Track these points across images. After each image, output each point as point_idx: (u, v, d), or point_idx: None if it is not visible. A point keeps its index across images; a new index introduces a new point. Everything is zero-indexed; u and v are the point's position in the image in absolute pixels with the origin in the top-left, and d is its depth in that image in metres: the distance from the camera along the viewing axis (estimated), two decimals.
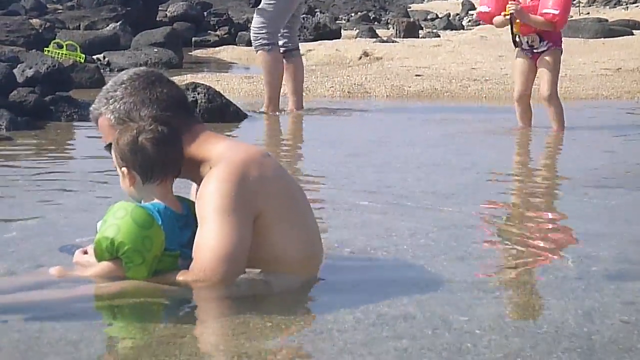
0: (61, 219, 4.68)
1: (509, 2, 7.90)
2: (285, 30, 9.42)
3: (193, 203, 3.42)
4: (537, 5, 7.87)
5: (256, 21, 9.30)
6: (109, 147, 3.48)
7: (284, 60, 9.42)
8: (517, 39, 8.07)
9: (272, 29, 9.25)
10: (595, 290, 3.49)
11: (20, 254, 3.93)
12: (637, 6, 31.82)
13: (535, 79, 8.18)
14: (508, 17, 7.94)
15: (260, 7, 9.22)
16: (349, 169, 6.32)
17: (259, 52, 9.36)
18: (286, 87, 9.51)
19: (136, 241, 3.21)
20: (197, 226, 3.31)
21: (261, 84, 11.66)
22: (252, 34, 9.45)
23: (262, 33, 9.24)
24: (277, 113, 9.28)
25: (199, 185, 3.40)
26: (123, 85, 3.45)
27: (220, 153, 3.35)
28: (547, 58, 8.00)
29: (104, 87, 3.53)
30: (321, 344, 2.94)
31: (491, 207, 5.26)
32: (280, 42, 9.43)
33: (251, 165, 3.33)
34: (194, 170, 3.40)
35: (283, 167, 3.49)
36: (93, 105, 3.53)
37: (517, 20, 7.94)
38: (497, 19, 8.07)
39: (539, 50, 8.01)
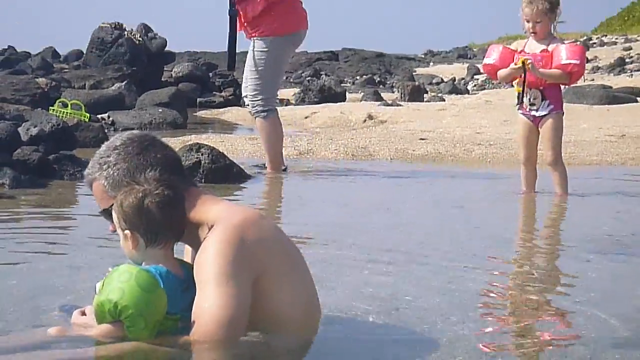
0: (61, 278, 4.67)
1: (521, 56, 7.94)
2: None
3: (191, 266, 3.42)
4: (547, 60, 7.90)
5: (251, 88, 9.33)
6: (103, 212, 3.49)
7: (258, 121, 9.46)
8: (520, 97, 8.09)
9: (268, 94, 9.30)
10: (602, 358, 3.48)
11: (19, 313, 3.92)
12: None
13: (539, 142, 8.20)
14: (519, 66, 7.92)
15: (252, 72, 9.25)
16: (352, 230, 6.32)
17: (256, 118, 9.38)
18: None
19: (140, 305, 3.20)
20: (196, 289, 3.31)
21: None
22: (249, 100, 9.45)
23: (258, 100, 9.28)
24: (283, 167, 9.30)
25: (194, 248, 3.41)
26: (116, 151, 3.47)
27: (217, 216, 3.36)
28: (549, 123, 8.02)
29: (98, 152, 3.54)
30: None
31: (495, 272, 5.25)
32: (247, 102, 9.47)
33: (248, 227, 3.33)
34: (191, 234, 3.41)
35: (280, 228, 3.50)
36: (87, 170, 3.55)
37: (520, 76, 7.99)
38: (502, 71, 8.09)
39: (540, 114, 8.03)
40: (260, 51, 9.25)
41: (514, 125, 10.82)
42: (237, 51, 9.66)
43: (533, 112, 8.06)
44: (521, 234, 6.74)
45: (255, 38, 9.28)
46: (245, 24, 9.30)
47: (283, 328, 3.40)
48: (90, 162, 3.56)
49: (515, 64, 7.95)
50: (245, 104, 9.66)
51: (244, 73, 9.56)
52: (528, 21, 7.98)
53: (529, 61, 7.88)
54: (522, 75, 7.96)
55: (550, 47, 7.96)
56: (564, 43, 8.23)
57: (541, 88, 8.00)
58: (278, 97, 9.66)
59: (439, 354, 3.47)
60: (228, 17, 9.38)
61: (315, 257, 5.07)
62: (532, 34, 8.02)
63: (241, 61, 10.30)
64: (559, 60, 7.89)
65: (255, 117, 9.41)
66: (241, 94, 22.00)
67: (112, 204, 3.44)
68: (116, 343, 3.26)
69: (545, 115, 8.04)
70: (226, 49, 9.69)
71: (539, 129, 8.08)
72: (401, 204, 7.78)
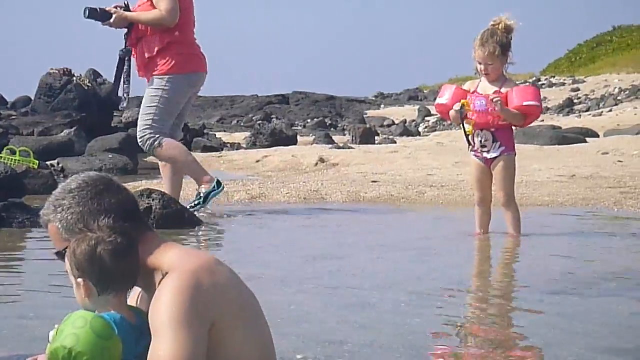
0: (11, 327, 4.62)
1: (468, 98, 8.04)
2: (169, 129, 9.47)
3: (144, 312, 3.40)
4: (500, 97, 7.98)
5: (141, 124, 9.33)
6: (59, 254, 3.47)
7: (160, 163, 9.52)
8: (470, 139, 8.16)
9: (157, 128, 9.28)
10: None
11: None
12: (590, 114, 32.46)
13: (492, 184, 8.27)
14: (457, 108, 8.00)
15: (145, 108, 9.29)
16: (305, 272, 6.33)
17: (155, 150, 9.33)
18: (164, 185, 9.56)
19: (95, 352, 3.17)
20: (150, 337, 3.29)
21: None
22: (139, 140, 9.42)
23: (147, 134, 9.27)
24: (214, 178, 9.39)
25: (149, 293, 3.39)
26: (71, 194, 3.45)
27: (172, 262, 3.33)
28: (501, 165, 8.09)
29: (54, 193, 3.51)
30: None
31: (449, 314, 5.27)
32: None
33: (203, 274, 3.31)
34: (146, 279, 3.39)
35: (235, 273, 3.49)
36: (42, 211, 3.52)
37: (470, 117, 8.06)
38: (452, 112, 8.16)
39: (491, 156, 8.11)
40: (156, 88, 9.28)
41: (466, 166, 10.93)
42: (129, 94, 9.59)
43: (484, 154, 8.13)
44: (475, 276, 6.78)
45: (153, 77, 9.31)
46: (142, 65, 9.32)
47: None
48: (46, 202, 3.54)
49: (457, 108, 8.01)
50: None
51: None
52: (480, 63, 8.07)
53: (466, 105, 7.98)
54: (461, 116, 8.04)
55: (503, 89, 8.06)
56: (516, 84, 8.36)
57: (492, 130, 8.07)
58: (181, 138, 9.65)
59: None
60: (117, 57, 9.39)
61: (270, 302, 5.07)
62: (485, 75, 8.11)
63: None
64: (519, 102, 7.97)
65: (152, 151, 9.36)
66: (192, 138, 22.01)
67: (65, 248, 3.42)
68: None
69: (496, 157, 8.11)
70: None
71: (492, 170, 8.15)
72: (354, 248, 7.79)
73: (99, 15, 9.26)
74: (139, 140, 9.41)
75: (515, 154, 8.19)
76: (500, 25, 8.04)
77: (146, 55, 9.28)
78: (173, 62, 9.27)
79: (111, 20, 9.22)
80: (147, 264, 3.38)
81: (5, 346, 4.12)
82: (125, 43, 9.33)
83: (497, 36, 8.00)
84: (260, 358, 3.45)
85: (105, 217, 3.36)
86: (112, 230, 3.33)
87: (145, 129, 9.29)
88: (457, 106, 8.02)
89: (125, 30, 9.34)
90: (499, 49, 7.99)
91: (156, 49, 9.24)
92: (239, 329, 3.35)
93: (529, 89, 8.29)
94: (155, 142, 9.27)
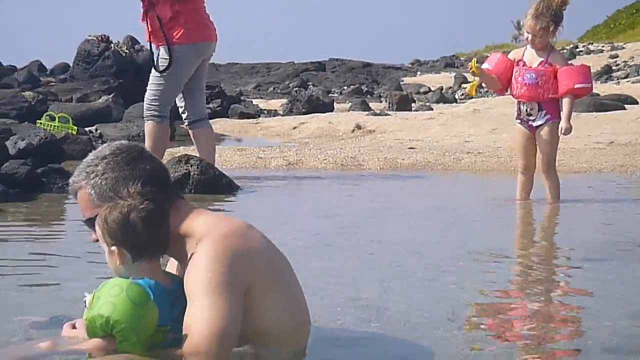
0: (50, 290, 4.64)
1: (515, 70, 8.06)
2: (185, 103, 9.47)
3: (178, 278, 3.40)
4: (549, 74, 7.93)
5: (148, 93, 9.34)
6: (88, 221, 3.47)
7: (191, 132, 9.49)
8: (518, 108, 8.14)
9: (164, 101, 9.28)
10: None
11: (9, 327, 3.90)
12: (629, 81, 32.10)
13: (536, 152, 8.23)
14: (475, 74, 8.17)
15: (154, 77, 9.26)
16: (342, 241, 6.31)
17: (146, 122, 9.34)
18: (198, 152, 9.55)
19: (132, 320, 3.18)
20: (186, 301, 3.29)
21: (254, 156, 11.72)
22: (145, 105, 9.44)
23: (153, 105, 9.27)
24: None
25: (181, 261, 3.39)
26: (105, 160, 3.45)
27: (205, 228, 3.34)
28: (545, 132, 8.05)
29: (85, 160, 3.51)
30: None
31: (488, 280, 5.24)
32: (185, 115, 9.52)
33: (237, 239, 3.31)
34: (178, 247, 3.39)
35: (267, 238, 3.48)
36: (72, 178, 3.51)
37: (475, 82, 8.26)
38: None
39: (537, 124, 8.06)
40: (164, 58, 9.24)
41: (502, 134, 10.85)
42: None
43: (530, 122, 8.09)
44: (514, 242, 6.73)
45: (161, 46, 9.27)
46: (152, 33, 9.28)
47: (273, 339, 3.37)
48: (76, 170, 3.53)
49: (471, 66, 8.11)
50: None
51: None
52: (529, 33, 7.99)
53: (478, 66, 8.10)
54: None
55: (550, 59, 7.98)
56: (562, 57, 8.27)
57: (539, 101, 8.03)
58: (201, 111, 9.60)
59: None
60: None
61: (305, 267, 5.06)
62: (531, 45, 8.04)
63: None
64: (570, 85, 7.93)
65: (147, 121, 9.36)
66: (229, 105, 22.02)
67: (97, 214, 3.42)
68: (108, 356, 3.23)
69: (542, 124, 8.06)
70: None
71: (535, 137, 8.10)
72: (392, 214, 7.76)
73: None
74: (146, 104, 9.41)
75: (559, 122, 8.11)
76: None
77: (157, 23, 9.23)
78: (181, 32, 9.21)
79: None
80: (179, 232, 3.38)
81: (45, 311, 4.14)
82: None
83: (553, 9, 7.89)
84: (295, 323, 3.46)
85: (137, 183, 3.36)
86: (144, 197, 3.32)
87: (154, 100, 9.28)
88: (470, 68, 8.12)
89: None
90: (552, 25, 7.90)
91: (168, 16, 9.20)
92: (273, 293, 3.36)
93: (580, 70, 8.11)
94: (157, 119, 9.28)
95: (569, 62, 8.57)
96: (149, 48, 9.50)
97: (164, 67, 9.20)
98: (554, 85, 7.97)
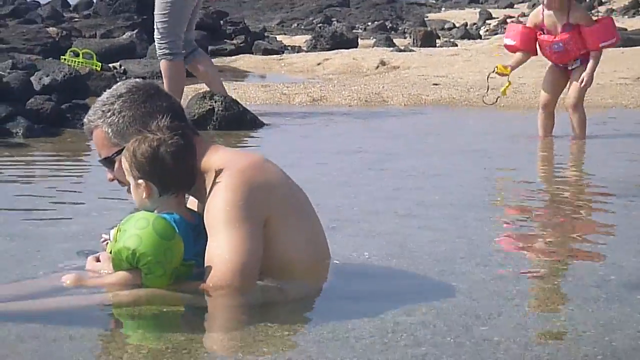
0: (75, 224, 4.67)
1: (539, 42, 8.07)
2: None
3: (200, 214, 3.40)
4: (575, 40, 7.88)
5: (156, 32, 9.23)
6: (105, 160, 3.47)
7: (185, 65, 9.42)
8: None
9: (173, 37, 9.16)
10: (617, 300, 3.46)
11: (37, 258, 3.93)
12: None
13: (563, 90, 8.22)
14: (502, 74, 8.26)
15: (159, 16, 9.16)
16: (366, 177, 6.31)
17: (161, 60, 9.25)
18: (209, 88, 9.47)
19: (158, 253, 3.18)
20: (207, 236, 3.30)
21: (278, 93, 11.70)
22: (156, 44, 9.35)
23: (164, 43, 9.15)
24: None
25: (200, 198, 3.40)
26: (122, 98, 3.43)
27: (223, 163, 3.34)
28: (581, 70, 8.04)
29: (100, 99, 3.50)
30: (340, 352, 2.91)
31: (512, 214, 5.23)
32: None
33: (255, 172, 3.32)
34: (197, 182, 3.39)
35: (285, 172, 3.48)
36: (88, 117, 3.50)
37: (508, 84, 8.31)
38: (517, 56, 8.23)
39: (572, 67, 8.05)
40: None
41: (527, 70, 10.75)
42: None
43: (566, 66, 8.10)
44: (538, 177, 6.70)
45: None
46: None
47: (293, 272, 3.39)
48: (91, 109, 3.52)
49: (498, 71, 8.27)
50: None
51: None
52: None
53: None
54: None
55: (572, 20, 7.89)
56: (585, 13, 8.17)
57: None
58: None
59: (451, 299, 3.46)
60: None
61: (328, 203, 5.06)
62: (547, 7, 7.95)
63: None
64: (595, 45, 7.95)
65: (161, 60, 9.27)
66: (252, 41, 21.94)
67: (114, 153, 3.42)
68: (133, 289, 3.25)
69: (577, 67, 8.06)
70: None
71: (570, 76, 8.09)
72: (417, 149, 7.74)
73: None
74: (157, 43, 9.31)
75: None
76: None
77: None
78: None
79: None
80: (197, 167, 3.38)
81: (70, 243, 4.17)
82: None
83: None
84: (314, 254, 3.48)
85: (164, 117, 3.35)
86: (172, 131, 3.32)
87: (163, 37, 9.16)
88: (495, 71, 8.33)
89: None
90: None
91: None
92: (292, 225, 3.37)
93: (604, 27, 8.01)
94: (170, 56, 9.16)
95: (590, 13, 8.54)
96: None
97: (165, 4, 9.08)
98: (582, 42, 7.94)
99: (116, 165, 3.44)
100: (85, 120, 3.53)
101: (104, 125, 3.44)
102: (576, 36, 7.91)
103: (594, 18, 8.30)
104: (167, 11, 9.12)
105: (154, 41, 9.51)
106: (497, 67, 8.31)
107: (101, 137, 3.46)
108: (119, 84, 3.56)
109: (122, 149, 3.38)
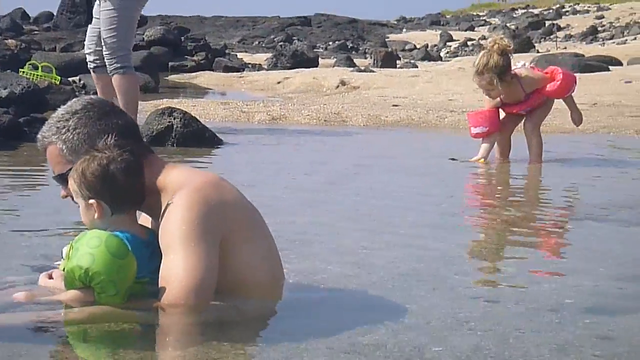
0: (28, 239, 4.62)
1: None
2: (98, 48, 9.31)
3: (154, 230, 3.38)
4: (536, 96, 7.99)
5: (107, 47, 9.15)
6: (58, 177, 3.44)
7: (94, 75, 9.43)
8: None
9: (124, 50, 9.17)
10: (570, 324, 3.48)
11: None
12: (614, 42, 32.10)
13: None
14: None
15: (106, 31, 9.10)
16: (327, 196, 6.30)
17: (113, 75, 9.18)
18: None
19: (111, 271, 3.16)
20: (162, 253, 3.28)
21: (238, 110, 11.68)
22: (106, 60, 9.25)
23: (116, 57, 9.12)
24: None
25: (153, 215, 3.38)
26: (77, 115, 3.42)
27: (178, 181, 3.33)
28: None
29: (54, 115, 3.47)
30: None
31: (471, 236, 5.25)
32: (91, 59, 9.38)
33: (211, 191, 3.31)
34: (150, 200, 3.37)
35: (240, 191, 3.47)
36: (42, 133, 3.47)
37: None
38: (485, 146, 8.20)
39: None
40: (112, 9, 9.09)
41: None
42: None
43: None
44: (496, 200, 6.73)
45: None
46: None
47: (248, 291, 3.37)
48: (45, 125, 3.49)
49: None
50: (88, 61, 9.45)
51: (87, 32, 9.40)
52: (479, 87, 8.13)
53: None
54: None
55: (527, 88, 8.04)
56: (534, 75, 8.19)
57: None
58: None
59: (406, 320, 3.45)
60: None
61: (288, 222, 5.05)
62: (492, 96, 8.06)
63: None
64: (561, 96, 8.27)
65: (113, 75, 9.19)
66: (213, 58, 21.88)
67: (68, 169, 3.39)
68: (85, 307, 3.22)
69: None
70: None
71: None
72: (374, 171, 7.75)
73: None
74: (106, 57, 9.22)
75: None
76: (494, 47, 7.91)
77: None
78: None
79: None
80: (152, 186, 3.37)
81: (23, 259, 4.12)
82: None
83: (493, 62, 7.86)
84: (270, 275, 3.47)
85: (111, 136, 3.34)
86: (121, 148, 3.30)
87: (115, 51, 9.11)
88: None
89: None
90: (496, 78, 7.88)
91: None
92: (247, 243, 3.37)
93: (561, 85, 8.09)
94: (122, 69, 9.13)
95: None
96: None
97: (112, 18, 9.06)
98: (544, 95, 8.11)
99: (69, 187, 3.42)
100: (39, 136, 3.50)
101: (59, 141, 3.41)
102: (538, 96, 8.08)
103: (539, 71, 8.30)
104: (114, 25, 9.07)
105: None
106: (480, 161, 8.19)
107: (55, 153, 3.43)
108: (73, 100, 3.53)
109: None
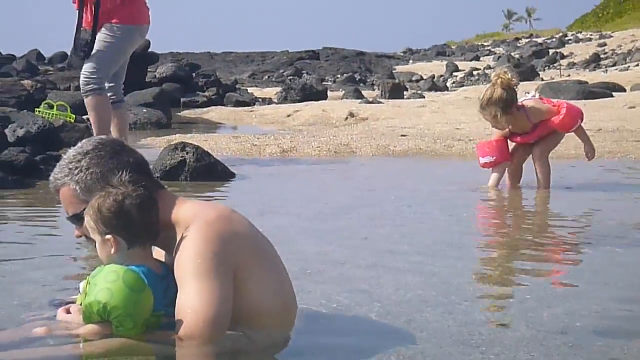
0: (47, 275, 4.63)
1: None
2: (111, 84, 9.38)
3: (167, 264, 3.39)
4: (543, 127, 8.00)
5: (87, 67, 9.21)
6: (73, 217, 3.45)
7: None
8: None
9: (103, 74, 9.21)
10: (581, 347, 3.46)
11: (6, 310, 3.88)
12: (616, 69, 32.11)
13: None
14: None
15: (96, 52, 9.16)
16: (335, 224, 6.30)
17: (89, 97, 9.20)
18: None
19: (129, 306, 3.17)
20: (176, 286, 3.28)
21: (249, 144, 11.70)
22: (82, 80, 9.31)
23: (93, 78, 9.16)
24: None
25: (167, 249, 3.39)
26: (88, 156, 3.43)
27: (191, 215, 3.34)
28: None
29: (66, 157, 3.49)
30: None
31: (479, 261, 5.24)
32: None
33: (223, 224, 3.32)
34: (165, 235, 3.38)
35: (251, 223, 3.48)
36: (54, 175, 3.48)
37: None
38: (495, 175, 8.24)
39: None
40: (112, 35, 9.18)
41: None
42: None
43: None
44: (503, 225, 6.73)
45: (106, 25, 9.18)
46: (103, 14, 9.17)
47: (261, 321, 3.37)
48: (57, 167, 3.50)
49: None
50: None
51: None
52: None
53: None
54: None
55: (534, 119, 8.05)
56: (535, 105, 8.19)
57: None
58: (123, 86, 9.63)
59: (418, 347, 3.45)
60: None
61: (299, 252, 5.05)
62: (500, 129, 8.10)
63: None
64: (567, 129, 8.25)
65: (87, 96, 9.22)
66: (224, 93, 21.93)
67: (82, 209, 3.40)
68: (105, 339, 3.23)
69: None
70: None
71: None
72: (383, 199, 7.75)
73: None
74: (81, 79, 9.30)
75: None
76: (498, 81, 7.94)
77: (109, 5, 9.17)
78: (131, 13, 9.21)
79: None
80: (165, 220, 3.38)
81: (42, 293, 4.13)
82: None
83: (497, 96, 7.89)
84: (282, 306, 3.47)
85: (124, 173, 3.35)
86: (135, 184, 3.32)
87: (95, 72, 9.18)
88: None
89: None
90: (499, 111, 7.89)
91: (118, 1, 9.17)
92: (260, 273, 3.37)
93: (566, 119, 8.12)
94: (98, 90, 9.17)
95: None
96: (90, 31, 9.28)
97: (105, 43, 9.13)
98: (551, 126, 8.11)
99: (84, 227, 3.43)
100: (51, 178, 3.51)
101: (72, 182, 3.42)
102: (545, 126, 8.08)
103: (547, 103, 8.31)
104: (104, 50, 9.12)
105: (126, 93, 9.46)
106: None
107: (69, 194, 3.44)
108: (84, 141, 3.54)
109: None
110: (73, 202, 3.44)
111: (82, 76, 9.31)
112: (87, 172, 3.41)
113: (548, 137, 8.21)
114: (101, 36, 9.19)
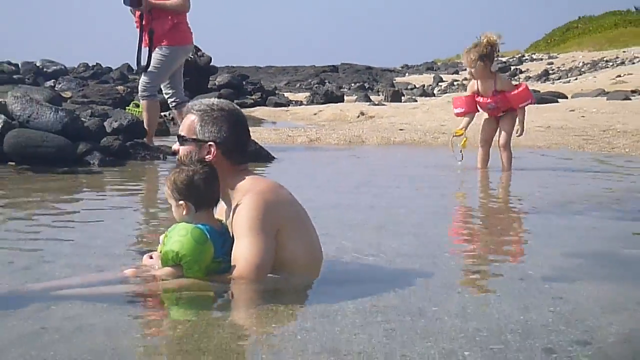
0: (136, 230, 4.65)
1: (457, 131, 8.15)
2: (172, 90, 9.35)
3: (226, 224, 3.40)
4: (502, 101, 7.90)
5: (144, 80, 9.21)
6: (180, 136, 3.42)
7: (176, 111, 9.40)
8: (462, 152, 8.26)
9: (155, 84, 9.25)
10: (534, 288, 3.46)
11: (101, 258, 3.91)
12: (561, 82, 31.85)
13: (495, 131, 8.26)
14: (459, 135, 8.17)
15: (152, 67, 9.13)
16: (349, 197, 6.29)
17: (144, 100, 9.26)
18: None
19: (194, 254, 3.20)
20: (232, 240, 3.29)
21: (285, 135, 11.69)
22: (140, 87, 9.31)
23: (148, 87, 9.21)
24: (151, 144, 9.09)
25: (229, 206, 3.38)
26: (222, 112, 3.41)
27: (248, 185, 3.34)
28: (506, 117, 8.09)
29: (207, 100, 3.45)
30: (329, 326, 2.90)
31: (458, 226, 5.22)
32: (171, 99, 9.38)
33: (270, 193, 3.32)
34: (229, 195, 3.39)
35: (292, 194, 3.47)
36: (192, 103, 3.47)
37: (465, 139, 8.19)
38: (465, 119, 8.18)
39: (501, 116, 8.12)
40: (163, 54, 9.14)
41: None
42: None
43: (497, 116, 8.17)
44: (479, 198, 6.70)
45: (160, 46, 9.13)
46: (157, 37, 9.10)
47: (296, 268, 3.37)
48: (199, 101, 3.46)
49: (455, 135, 8.25)
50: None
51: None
52: (467, 66, 8.00)
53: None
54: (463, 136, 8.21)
55: (498, 86, 7.90)
56: (507, 81, 8.13)
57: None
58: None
59: (416, 288, 3.45)
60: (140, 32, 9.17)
61: (323, 216, 5.05)
62: (475, 77, 7.98)
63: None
64: (517, 105, 7.95)
65: (143, 99, 9.28)
66: (266, 97, 21.84)
67: (190, 138, 3.38)
68: (176, 279, 3.25)
69: (504, 115, 8.15)
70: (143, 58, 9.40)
71: (499, 121, 8.13)
72: (385, 177, 7.73)
73: (135, 1, 9.05)
74: (140, 87, 9.31)
75: (516, 113, 8.12)
76: (485, 40, 7.84)
77: (160, 31, 9.11)
78: (177, 36, 9.16)
79: (142, 5, 9.05)
80: (233, 187, 3.38)
81: (132, 244, 4.15)
82: (141, 22, 9.14)
83: (481, 47, 7.79)
84: (312, 256, 3.48)
85: (198, 152, 3.35)
86: (202, 163, 3.33)
87: (147, 83, 9.20)
88: (453, 135, 8.30)
89: (138, 12, 9.12)
90: (477, 57, 7.78)
91: (168, 27, 9.13)
92: (297, 234, 3.37)
93: (521, 93, 7.96)
94: (153, 96, 9.23)
95: (514, 78, 8.56)
96: (147, 50, 9.21)
97: (160, 61, 9.11)
98: (508, 102, 7.97)
99: (181, 148, 3.41)
100: (189, 103, 3.49)
101: (198, 119, 3.41)
102: (503, 98, 7.96)
103: (515, 83, 8.27)
104: (158, 66, 9.13)
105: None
106: (455, 132, 8.28)
107: (190, 122, 3.42)
108: (226, 101, 3.51)
109: (196, 140, 3.37)
110: (189, 130, 3.42)
111: (140, 85, 9.36)
112: (213, 119, 3.38)
113: (504, 123, 8.06)
114: (155, 55, 9.18)
